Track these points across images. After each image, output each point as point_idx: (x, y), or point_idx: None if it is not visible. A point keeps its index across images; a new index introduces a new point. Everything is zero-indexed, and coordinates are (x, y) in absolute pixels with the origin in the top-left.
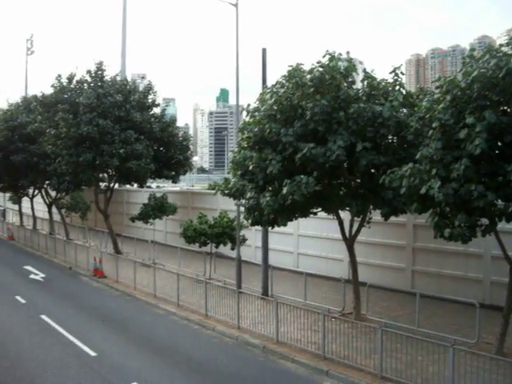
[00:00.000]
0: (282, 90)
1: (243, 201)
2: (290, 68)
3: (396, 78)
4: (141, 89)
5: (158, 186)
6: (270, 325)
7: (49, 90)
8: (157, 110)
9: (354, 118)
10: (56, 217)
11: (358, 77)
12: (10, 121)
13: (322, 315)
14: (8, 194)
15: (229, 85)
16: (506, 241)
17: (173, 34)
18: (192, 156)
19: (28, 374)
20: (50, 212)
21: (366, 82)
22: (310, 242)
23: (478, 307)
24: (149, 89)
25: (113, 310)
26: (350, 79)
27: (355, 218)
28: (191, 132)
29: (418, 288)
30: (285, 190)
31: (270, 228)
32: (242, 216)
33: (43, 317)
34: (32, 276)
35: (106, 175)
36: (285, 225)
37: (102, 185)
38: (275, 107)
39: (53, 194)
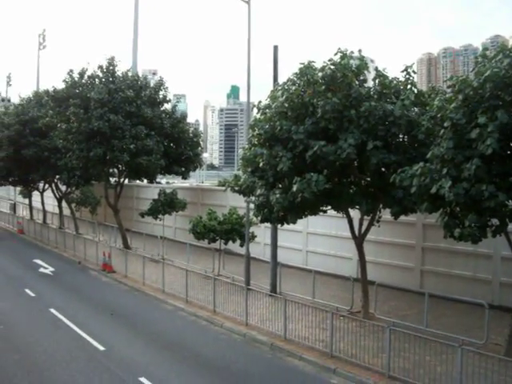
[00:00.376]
0: (294, 88)
1: (253, 198)
2: (302, 65)
3: (408, 76)
4: (152, 85)
5: (167, 182)
6: (278, 322)
7: (60, 85)
8: (168, 106)
9: (365, 117)
10: (66, 211)
11: (370, 75)
12: (22, 115)
13: (330, 313)
14: (18, 188)
15: (239, 82)
16: None
17: (184, 30)
18: (202, 152)
19: (37, 366)
20: (59, 206)
21: (377, 81)
22: (319, 239)
23: (487, 308)
24: (160, 85)
25: (121, 305)
26: (361, 77)
27: (365, 217)
28: (201, 128)
29: (426, 288)
30: (295, 188)
31: (279, 225)
32: (251, 213)
33: (52, 310)
34: (41, 270)
35: (116, 170)
36: (294, 222)
37: (112, 180)
38: (286, 104)
39: (63, 188)
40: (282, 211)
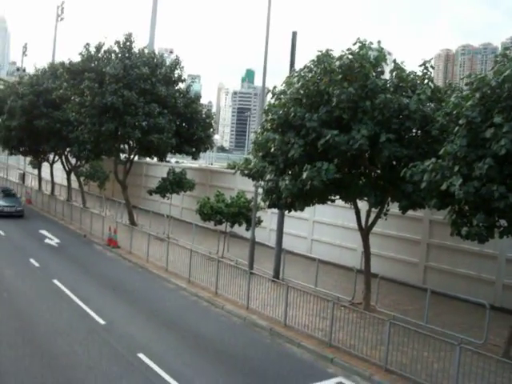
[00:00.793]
0: (310, 75)
1: (262, 182)
2: (319, 53)
3: (425, 71)
4: (168, 63)
5: (177, 162)
6: (278, 308)
7: (76, 58)
8: (182, 86)
9: (380, 109)
10: (74, 184)
11: (387, 67)
12: (36, 85)
13: (331, 303)
14: (28, 158)
15: (255, 65)
16: None
17: (203, 10)
18: (213, 134)
19: (37, 336)
20: (68, 179)
21: (394, 73)
22: (325, 228)
23: (489, 308)
24: (176, 63)
25: (124, 281)
26: (378, 69)
27: (372, 209)
28: (214, 110)
29: (429, 284)
30: (305, 175)
31: (286, 212)
32: (259, 197)
33: (55, 281)
34: (47, 240)
35: (126, 146)
36: (302, 210)
37: (122, 156)
38: (301, 91)
39: (73, 161)
40: (290, 198)
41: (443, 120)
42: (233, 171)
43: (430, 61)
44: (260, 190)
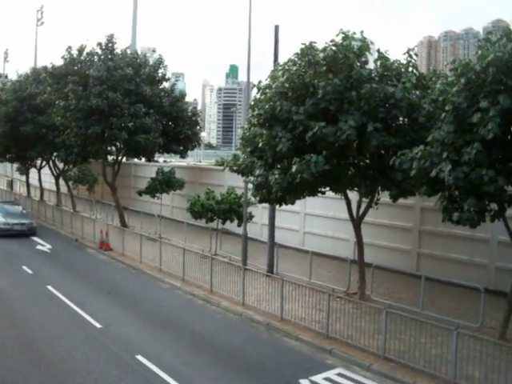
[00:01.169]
0: (294, 68)
1: (251, 178)
2: (303, 46)
3: (409, 59)
4: (151, 62)
5: (164, 161)
6: (274, 302)
7: (59, 62)
8: (166, 85)
9: (366, 98)
10: (63, 188)
11: (371, 57)
12: (19, 91)
13: (326, 294)
14: (16, 165)
15: (239, 61)
16: None
17: (183, 7)
18: (200, 131)
19: (35, 343)
20: (57, 184)
21: (379, 63)
22: (316, 220)
23: (483, 292)
24: (159, 63)
25: (118, 283)
26: (363, 59)
27: (363, 199)
28: (199, 107)
29: (422, 271)
30: (294, 169)
31: (277, 206)
32: (249, 193)
33: (49, 287)
34: (39, 247)
35: (114, 148)
36: (293, 203)
37: (110, 158)
38: (287, 85)
39: (60, 165)
40: (280, 192)
41: (429, 107)
42: (222, 168)
43: (413, 48)
44: (250, 186)
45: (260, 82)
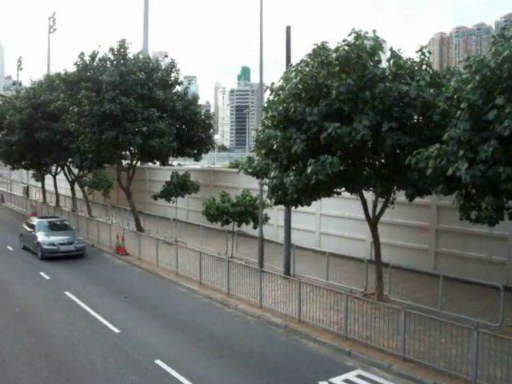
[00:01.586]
0: (307, 69)
1: (267, 180)
2: (315, 46)
3: (423, 57)
4: (163, 67)
5: (179, 164)
6: (292, 304)
7: (72, 68)
8: (179, 88)
9: (380, 98)
10: (78, 194)
11: (384, 56)
12: (33, 98)
13: (344, 295)
14: (31, 172)
15: (250, 63)
16: None
17: (195, 11)
18: (214, 134)
19: (54, 349)
20: (72, 189)
21: (392, 61)
22: (332, 221)
23: (503, 290)
24: (171, 67)
25: (135, 288)
26: (376, 58)
27: (379, 199)
28: (212, 110)
29: (440, 270)
30: (309, 170)
31: (293, 207)
32: (264, 195)
33: (67, 293)
34: None
35: (128, 153)
36: (309, 204)
37: (125, 162)
38: (300, 86)
39: (75, 171)
40: (296, 193)
41: (444, 105)
42: (236, 170)
43: (426, 46)
44: (265, 188)
45: (273, 83)
